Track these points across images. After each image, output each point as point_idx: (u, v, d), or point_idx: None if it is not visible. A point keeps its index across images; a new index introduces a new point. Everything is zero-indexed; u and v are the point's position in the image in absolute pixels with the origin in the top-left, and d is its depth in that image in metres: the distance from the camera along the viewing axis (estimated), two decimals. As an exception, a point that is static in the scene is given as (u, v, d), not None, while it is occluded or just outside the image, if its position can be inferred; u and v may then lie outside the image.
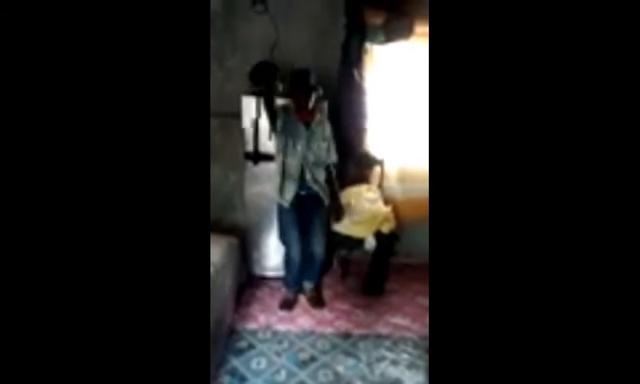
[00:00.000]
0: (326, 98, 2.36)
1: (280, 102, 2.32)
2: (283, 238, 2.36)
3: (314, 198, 2.29)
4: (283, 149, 2.19)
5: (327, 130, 2.29)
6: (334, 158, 2.33)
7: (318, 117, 2.25)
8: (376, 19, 2.60)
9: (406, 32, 2.58)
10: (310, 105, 2.17)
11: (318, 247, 2.36)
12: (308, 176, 2.22)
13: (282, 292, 2.53)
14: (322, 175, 2.28)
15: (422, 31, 2.59)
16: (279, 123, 2.16)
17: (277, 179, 2.26)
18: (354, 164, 2.74)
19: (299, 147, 2.18)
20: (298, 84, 2.16)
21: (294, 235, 2.29)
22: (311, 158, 2.21)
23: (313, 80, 2.15)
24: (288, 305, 2.44)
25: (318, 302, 2.50)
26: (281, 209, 2.30)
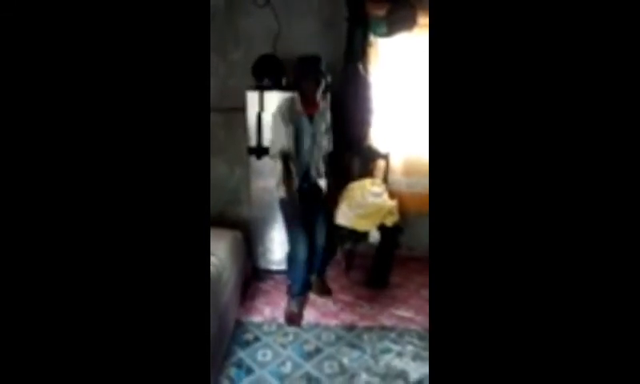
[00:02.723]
0: (329, 91, 2.33)
1: (283, 95, 2.30)
2: (289, 233, 2.25)
3: (315, 187, 2.26)
4: (289, 148, 2.06)
5: (328, 118, 2.21)
6: (330, 147, 2.28)
7: (321, 107, 2.15)
8: (378, 10, 2.57)
9: (409, 23, 2.55)
10: (318, 95, 2.03)
11: (321, 239, 2.33)
12: (313, 172, 2.17)
13: (286, 304, 2.35)
14: (323, 166, 2.24)
15: (425, 22, 2.56)
16: (284, 122, 2.04)
17: (279, 175, 2.14)
18: (358, 158, 2.73)
19: (306, 145, 2.08)
20: (307, 72, 1.99)
21: (299, 230, 2.18)
22: (317, 152, 2.15)
23: (323, 67, 2.00)
24: (293, 320, 2.23)
25: (323, 290, 2.50)
26: (283, 203, 2.20)
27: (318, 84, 1.99)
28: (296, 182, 2.15)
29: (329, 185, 2.33)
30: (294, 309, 2.29)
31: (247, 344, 2.05)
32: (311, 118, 2.10)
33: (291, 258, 2.28)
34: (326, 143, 2.22)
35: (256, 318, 2.28)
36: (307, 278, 2.36)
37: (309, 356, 1.98)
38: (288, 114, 2.06)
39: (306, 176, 2.19)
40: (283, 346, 2.05)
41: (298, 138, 2.08)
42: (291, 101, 2.10)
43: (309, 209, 2.25)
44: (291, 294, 2.34)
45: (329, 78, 2.07)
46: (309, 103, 2.06)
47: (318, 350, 2.02)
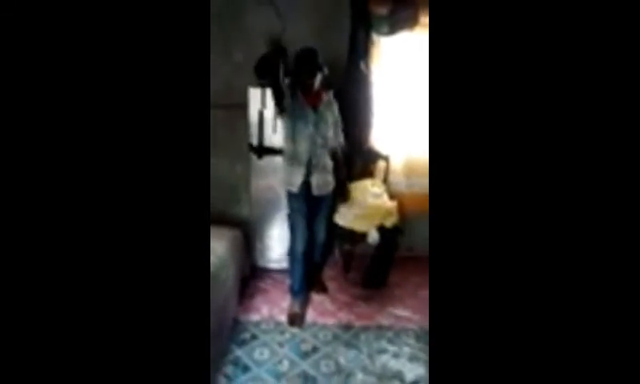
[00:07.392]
0: (332, 88, 2.32)
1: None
2: (290, 224, 2.28)
3: (321, 181, 2.24)
4: (292, 134, 2.14)
5: (335, 111, 2.25)
6: (340, 139, 2.30)
7: (325, 99, 2.20)
8: (381, 9, 2.57)
9: (410, 22, 2.55)
10: (316, 86, 2.11)
11: (321, 233, 2.34)
12: (314, 161, 2.16)
13: (289, 304, 2.36)
14: (328, 160, 2.23)
15: (427, 22, 2.56)
16: (286, 106, 2.10)
17: (285, 165, 2.22)
18: (359, 159, 2.73)
19: (307, 132, 2.13)
20: (303, 64, 2.09)
21: (300, 223, 2.22)
22: (320, 141, 2.16)
23: (319, 60, 2.09)
24: (296, 321, 2.24)
25: (320, 287, 2.51)
26: (290, 195, 2.23)
27: (313, 75, 2.08)
28: (300, 173, 2.16)
29: (338, 181, 2.32)
30: (296, 309, 2.30)
31: (244, 342, 2.06)
32: (315, 109, 2.16)
33: (291, 254, 2.31)
34: (332, 137, 2.23)
35: (254, 317, 2.28)
36: (305, 279, 2.35)
37: (305, 355, 1.99)
38: (291, 106, 2.14)
39: (309, 167, 2.18)
40: (280, 344, 2.06)
41: (300, 126, 2.14)
42: (294, 95, 2.18)
43: (311, 202, 2.24)
44: (292, 292, 2.35)
45: (326, 70, 2.13)
46: (308, 94, 2.14)
47: (314, 349, 2.03)
